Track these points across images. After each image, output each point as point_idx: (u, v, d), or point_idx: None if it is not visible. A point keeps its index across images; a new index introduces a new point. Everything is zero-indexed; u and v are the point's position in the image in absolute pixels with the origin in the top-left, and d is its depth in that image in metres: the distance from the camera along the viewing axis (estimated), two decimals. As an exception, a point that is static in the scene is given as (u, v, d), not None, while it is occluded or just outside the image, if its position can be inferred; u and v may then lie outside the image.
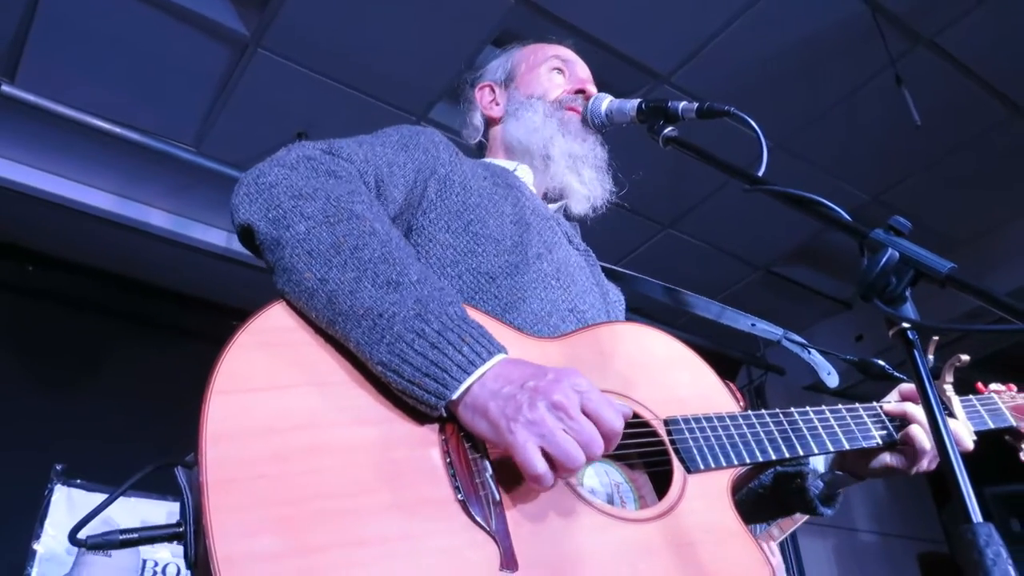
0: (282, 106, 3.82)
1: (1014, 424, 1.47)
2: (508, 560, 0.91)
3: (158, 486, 4.20)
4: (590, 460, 0.95)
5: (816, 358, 1.55)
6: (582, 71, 1.69)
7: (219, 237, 4.39)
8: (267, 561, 0.83)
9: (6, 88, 3.31)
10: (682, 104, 1.37)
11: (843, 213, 1.08)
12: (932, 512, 5.75)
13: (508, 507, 0.96)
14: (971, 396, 1.43)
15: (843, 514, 5.51)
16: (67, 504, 4.02)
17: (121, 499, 3.73)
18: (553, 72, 1.66)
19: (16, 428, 3.99)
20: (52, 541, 3.92)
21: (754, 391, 5.69)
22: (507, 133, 1.61)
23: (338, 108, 3.83)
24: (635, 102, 1.44)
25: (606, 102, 1.52)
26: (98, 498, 4.28)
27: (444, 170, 1.36)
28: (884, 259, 0.97)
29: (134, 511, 4.16)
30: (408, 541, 0.89)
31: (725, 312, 1.64)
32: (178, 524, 0.92)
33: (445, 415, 1.00)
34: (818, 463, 1.40)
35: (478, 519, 0.93)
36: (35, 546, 3.87)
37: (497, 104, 1.68)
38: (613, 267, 1.64)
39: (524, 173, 1.57)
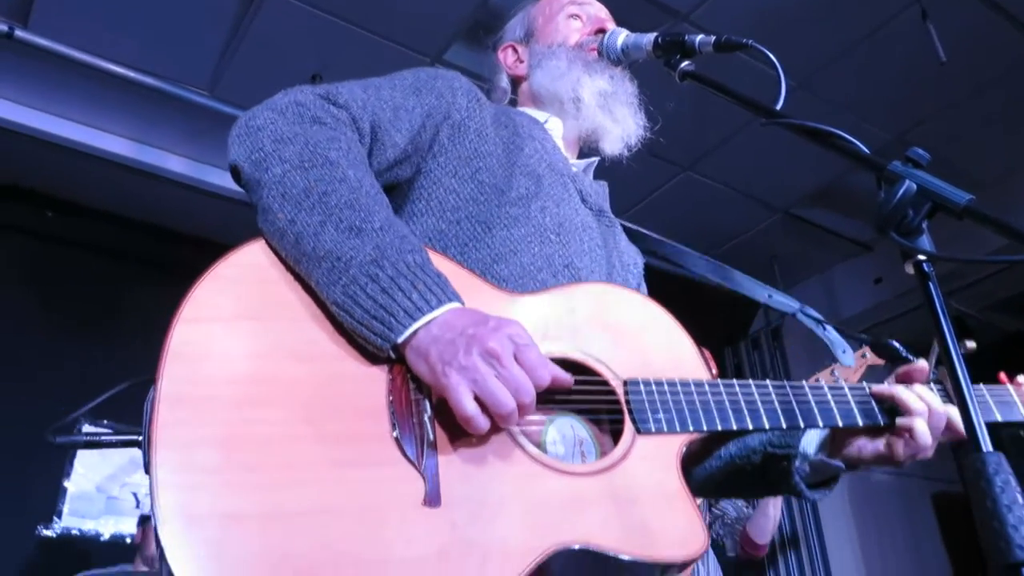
0: (295, 48, 3.78)
1: None
2: (432, 497, 0.94)
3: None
4: (521, 409, 0.97)
5: (831, 335, 1.53)
6: (599, 11, 1.66)
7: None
8: (202, 472, 0.89)
9: (19, 33, 3.29)
10: (699, 38, 1.34)
11: (860, 146, 1.06)
12: (947, 452, 5.75)
13: (442, 448, 0.99)
14: (981, 385, 1.33)
15: (858, 455, 5.55)
16: (95, 444, 4.13)
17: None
18: (570, 19, 1.63)
19: (42, 371, 4.07)
20: (82, 480, 4.04)
21: (771, 333, 5.70)
22: (534, 85, 1.59)
23: (352, 50, 3.79)
24: (651, 36, 1.42)
25: (622, 36, 1.49)
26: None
27: (459, 116, 1.36)
28: (901, 191, 0.95)
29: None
30: (337, 469, 0.94)
31: (745, 282, 1.62)
32: (139, 433, 0.98)
33: (394, 356, 1.03)
34: (809, 447, 1.34)
35: (409, 455, 0.96)
36: (66, 484, 3.99)
37: (521, 62, 1.65)
38: (639, 229, 1.62)
39: (555, 126, 1.55)
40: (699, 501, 3.39)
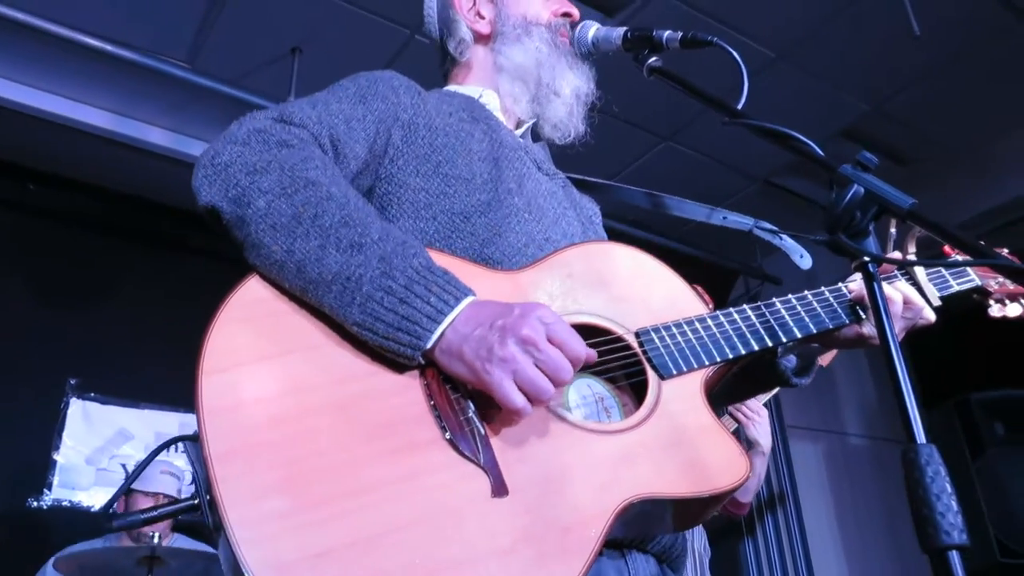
0: (275, 21, 3.76)
1: (979, 283, 1.48)
2: (499, 487, 0.98)
3: (170, 398, 4.36)
4: (559, 385, 1.01)
5: (788, 243, 1.58)
6: None
7: (218, 154, 4.39)
8: (277, 519, 0.90)
9: (-5, 7, 3.27)
10: (666, 33, 1.37)
11: (815, 148, 1.11)
12: (922, 416, 5.89)
13: (493, 438, 1.03)
14: (941, 269, 1.45)
15: (833, 419, 5.67)
16: (83, 416, 4.19)
17: (135, 410, 3.92)
18: None
19: (27, 344, 4.10)
20: (71, 452, 4.10)
21: (750, 300, 5.77)
22: (503, 56, 1.53)
23: (332, 22, 3.77)
24: (621, 31, 1.44)
25: (593, 30, 1.50)
26: (112, 410, 4.46)
27: (407, 115, 1.35)
28: (850, 194, 1.01)
29: (148, 422, 4.33)
30: (404, 483, 0.96)
31: (696, 208, 1.66)
32: (193, 498, 0.98)
33: (424, 363, 1.05)
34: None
35: (467, 454, 0.99)
36: (55, 456, 4.05)
37: (482, 17, 1.58)
38: (586, 178, 1.65)
39: (490, 99, 1.54)
40: None
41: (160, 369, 4.28)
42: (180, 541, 3.53)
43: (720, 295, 5.98)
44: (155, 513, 1.09)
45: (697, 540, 3.30)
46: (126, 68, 3.82)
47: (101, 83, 4.00)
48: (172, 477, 3.43)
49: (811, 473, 5.46)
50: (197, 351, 1.00)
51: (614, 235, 1.86)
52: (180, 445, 3.99)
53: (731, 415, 3.37)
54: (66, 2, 3.55)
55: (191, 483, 3.58)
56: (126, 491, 3.57)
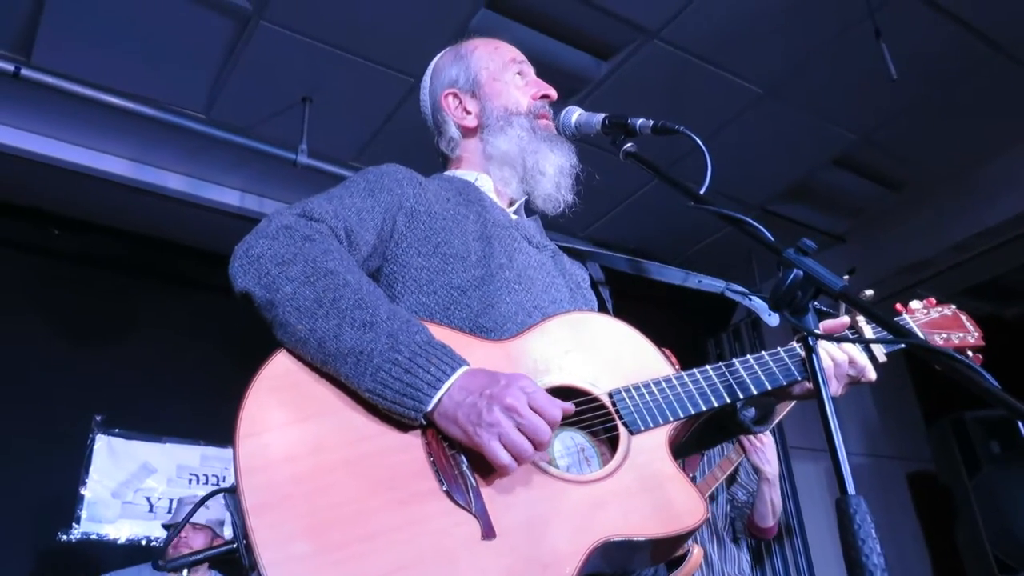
0: (286, 74, 3.96)
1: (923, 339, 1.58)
2: (488, 531, 1.15)
3: (191, 433, 4.54)
4: (541, 445, 1.18)
5: (756, 303, 1.73)
6: (534, 71, 1.79)
7: (232, 197, 4.60)
8: (302, 561, 1.08)
9: (25, 72, 3.48)
10: (640, 121, 1.54)
11: (766, 232, 1.27)
12: (921, 433, 6.00)
13: (483, 489, 1.19)
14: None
15: (835, 439, 5.78)
16: (108, 452, 4.36)
17: (158, 445, 4.12)
18: (516, 76, 1.75)
19: (54, 382, 4.27)
20: (98, 486, 4.27)
21: (751, 323, 5.92)
22: (491, 146, 1.69)
23: (340, 73, 3.97)
24: (600, 117, 1.60)
25: (575, 115, 1.66)
26: (136, 445, 4.65)
27: (410, 203, 1.53)
28: (791, 276, 1.16)
29: (171, 455, 4.51)
30: (408, 529, 1.13)
31: (673, 272, 1.81)
32: (232, 542, 1.16)
33: (425, 423, 1.22)
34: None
35: (461, 503, 1.16)
36: (83, 491, 4.22)
37: (468, 113, 1.73)
38: (575, 247, 1.79)
39: (484, 182, 1.70)
40: (717, 484, 3.55)
41: (181, 404, 4.46)
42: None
43: (722, 319, 6.14)
44: (201, 556, 1.28)
45: (729, 565, 3.43)
46: (145, 120, 4.03)
47: (122, 134, 4.21)
48: (205, 508, 3.64)
49: (814, 492, 5.56)
50: (234, 417, 1.18)
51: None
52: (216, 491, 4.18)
53: (739, 443, 3.46)
54: (88, 59, 3.77)
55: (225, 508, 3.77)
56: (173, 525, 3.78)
